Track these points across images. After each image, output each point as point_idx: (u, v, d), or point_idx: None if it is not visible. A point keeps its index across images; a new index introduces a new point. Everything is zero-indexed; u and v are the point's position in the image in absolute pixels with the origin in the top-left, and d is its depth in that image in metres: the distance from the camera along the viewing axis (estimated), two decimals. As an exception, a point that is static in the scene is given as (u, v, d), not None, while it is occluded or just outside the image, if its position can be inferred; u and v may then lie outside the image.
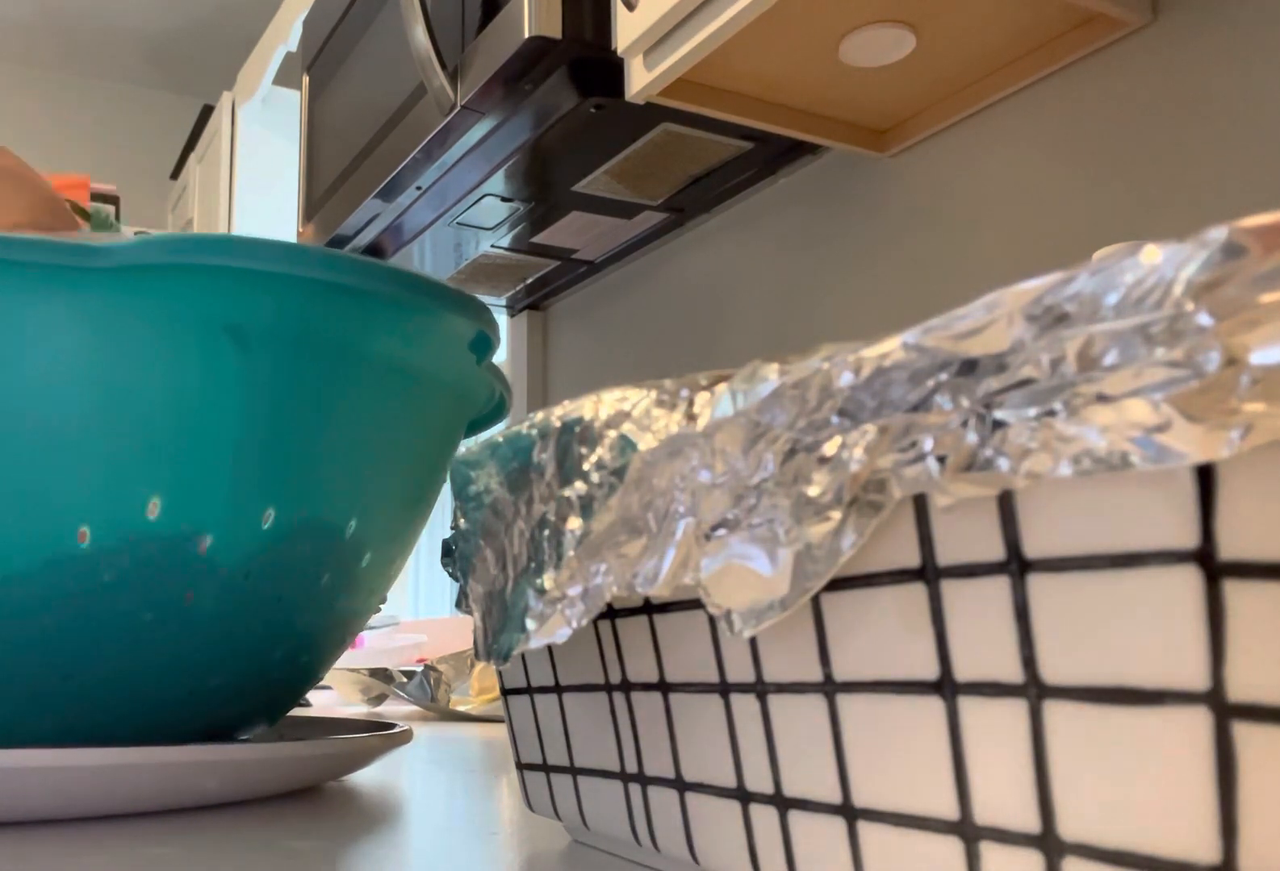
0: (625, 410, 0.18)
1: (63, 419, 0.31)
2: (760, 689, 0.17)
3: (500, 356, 1.80)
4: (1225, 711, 0.11)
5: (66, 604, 0.31)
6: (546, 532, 0.20)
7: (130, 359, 0.31)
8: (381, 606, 0.42)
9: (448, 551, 0.26)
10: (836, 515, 0.14)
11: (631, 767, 0.21)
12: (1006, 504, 0.13)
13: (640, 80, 0.95)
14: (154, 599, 0.32)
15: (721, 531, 0.16)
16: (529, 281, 1.61)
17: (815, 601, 0.16)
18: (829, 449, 0.14)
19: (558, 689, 0.24)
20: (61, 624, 0.31)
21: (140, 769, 0.29)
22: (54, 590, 0.31)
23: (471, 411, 0.43)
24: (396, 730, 0.39)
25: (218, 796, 0.32)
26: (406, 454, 0.37)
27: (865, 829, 0.15)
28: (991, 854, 0.13)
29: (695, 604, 0.18)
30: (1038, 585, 0.13)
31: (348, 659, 1.19)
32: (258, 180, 2.34)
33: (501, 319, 1.79)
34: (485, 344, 0.39)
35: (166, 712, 0.34)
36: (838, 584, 0.15)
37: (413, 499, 0.39)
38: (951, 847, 0.14)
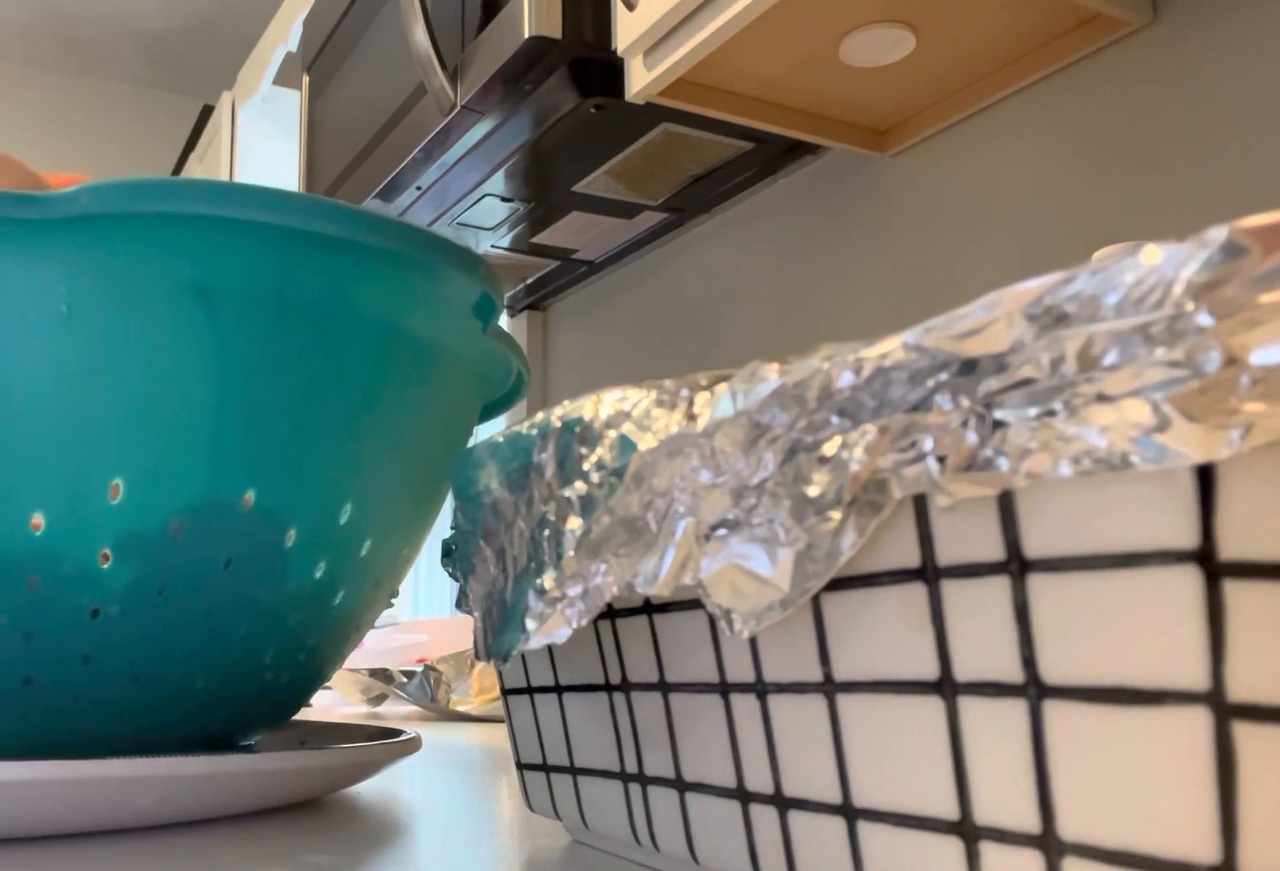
0: (625, 410, 0.18)
1: (10, 397, 0.27)
2: (760, 689, 0.17)
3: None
4: (1225, 711, 0.11)
5: (19, 599, 0.28)
6: (546, 532, 0.20)
7: (85, 326, 0.28)
8: (394, 601, 0.39)
9: (448, 551, 0.26)
10: (836, 515, 0.14)
11: (631, 767, 0.21)
12: (1006, 504, 0.13)
13: (640, 80, 0.95)
14: (122, 593, 0.29)
15: (721, 531, 0.16)
16: (529, 281, 1.61)
17: (815, 601, 0.16)
18: (829, 449, 0.14)
19: (558, 689, 0.24)
20: (15, 622, 0.28)
21: (61, 784, 0.25)
22: (3, 584, 0.28)
23: (486, 386, 0.39)
24: (403, 738, 0.35)
25: (215, 810, 0.29)
26: (409, 431, 0.34)
27: (865, 829, 0.15)
28: (991, 854, 0.13)
29: (695, 604, 0.18)
30: (1038, 585, 0.13)
31: (348, 659, 1.19)
32: (258, 180, 2.33)
33: (502, 320, 1.78)
34: (489, 306, 0.35)
35: (147, 718, 0.31)
36: (838, 584, 0.15)
37: (420, 481, 0.35)
38: (951, 847, 0.14)
